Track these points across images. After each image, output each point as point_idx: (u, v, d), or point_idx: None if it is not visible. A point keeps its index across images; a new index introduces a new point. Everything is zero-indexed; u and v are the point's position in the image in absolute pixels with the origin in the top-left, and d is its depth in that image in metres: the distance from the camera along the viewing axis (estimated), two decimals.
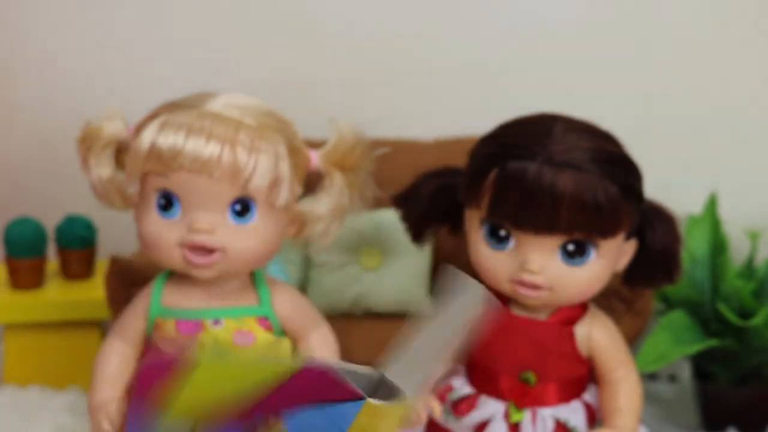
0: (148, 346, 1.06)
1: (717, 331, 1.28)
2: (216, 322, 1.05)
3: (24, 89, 1.53)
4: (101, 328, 1.41)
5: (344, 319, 1.27)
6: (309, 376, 0.48)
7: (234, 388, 0.48)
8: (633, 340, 1.23)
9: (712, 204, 1.37)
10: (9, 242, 1.39)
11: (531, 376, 1.02)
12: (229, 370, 0.48)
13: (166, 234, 1.01)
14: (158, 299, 1.07)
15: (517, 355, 1.03)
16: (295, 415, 0.49)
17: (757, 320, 1.20)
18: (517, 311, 1.04)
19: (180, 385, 0.49)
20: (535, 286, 0.99)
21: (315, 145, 1.08)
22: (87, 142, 1.06)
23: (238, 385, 0.48)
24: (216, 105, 1.00)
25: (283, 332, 1.09)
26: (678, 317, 1.25)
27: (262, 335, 1.06)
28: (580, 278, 0.99)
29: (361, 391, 0.49)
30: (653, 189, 1.04)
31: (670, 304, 1.31)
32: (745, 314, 1.23)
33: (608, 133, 1.00)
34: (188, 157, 0.97)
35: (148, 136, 0.98)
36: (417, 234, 1.10)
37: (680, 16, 1.44)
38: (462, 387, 1.06)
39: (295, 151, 1.02)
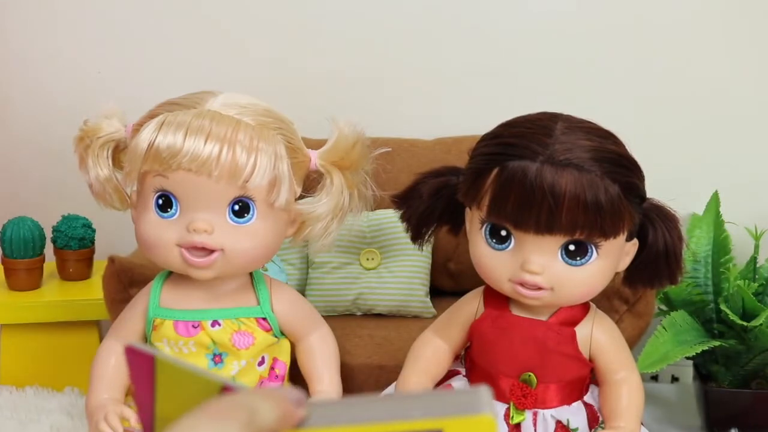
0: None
1: (719, 332, 1.27)
2: (215, 322, 1.04)
3: (22, 89, 1.52)
4: (99, 329, 1.41)
5: (344, 319, 1.27)
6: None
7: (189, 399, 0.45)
8: (634, 341, 1.22)
9: (714, 203, 1.36)
10: (6, 242, 1.38)
11: (532, 377, 1.01)
12: (184, 376, 0.46)
13: (165, 234, 1.00)
14: (156, 300, 1.06)
15: (518, 356, 1.02)
16: None
17: (760, 321, 1.19)
18: (517, 312, 1.03)
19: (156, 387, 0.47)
20: (535, 287, 0.98)
21: (315, 144, 1.07)
22: (85, 141, 1.05)
23: (191, 396, 0.46)
24: (215, 104, 0.99)
25: (282, 333, 1.08)
26: (680, 318, 1.24)
27: (261, 336, 1.05)
28: (582, 279, 0.98)
29: None
30: (655, 188, 1.03)
31: (671, 304, 1.30)
32: (748, 315, 1.22)
33: (610, 132, 0.99)
34: (187, 157, 0.96)
35: (146, 136, 0.97)
36: (417, 234, 1.09)
37: (682, 18, 1.43)
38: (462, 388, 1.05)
39: (294, 150, 1.01)
